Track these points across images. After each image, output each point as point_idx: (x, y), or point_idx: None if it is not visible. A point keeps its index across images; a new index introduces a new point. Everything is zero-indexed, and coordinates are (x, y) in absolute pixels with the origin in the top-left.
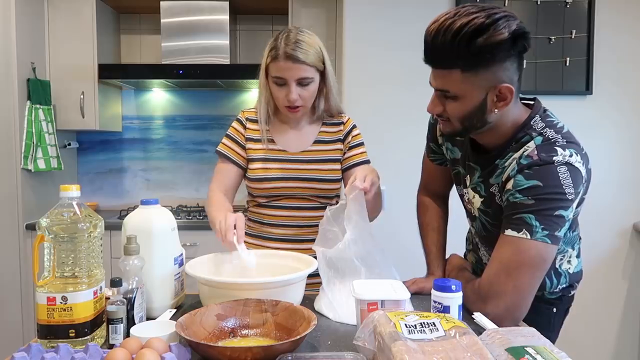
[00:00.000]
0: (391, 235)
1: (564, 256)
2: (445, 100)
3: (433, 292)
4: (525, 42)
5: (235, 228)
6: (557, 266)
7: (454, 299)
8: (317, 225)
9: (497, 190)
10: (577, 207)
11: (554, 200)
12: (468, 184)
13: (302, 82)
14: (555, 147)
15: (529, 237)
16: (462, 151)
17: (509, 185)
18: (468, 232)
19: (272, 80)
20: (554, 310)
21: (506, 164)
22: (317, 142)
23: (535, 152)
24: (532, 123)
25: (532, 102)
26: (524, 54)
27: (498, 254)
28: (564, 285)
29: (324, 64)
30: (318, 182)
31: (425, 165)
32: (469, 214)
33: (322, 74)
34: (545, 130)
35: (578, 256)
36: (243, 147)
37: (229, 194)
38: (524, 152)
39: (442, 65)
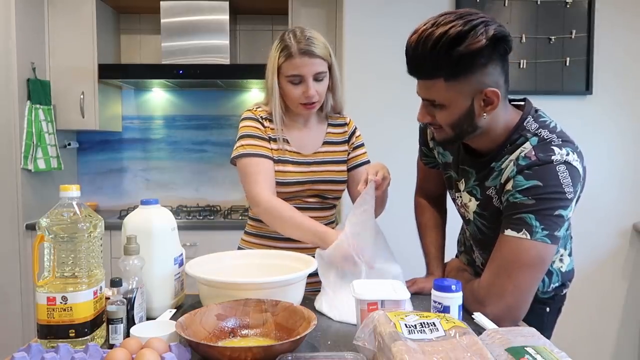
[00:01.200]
0: (391, 235)
1: (555, 255)
2: (433, 109)
3: (433, 292)
4: (506, 45)
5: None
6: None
7: (454, 299)
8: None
9: (495, 192)
10: (575, 205)
11: (554, 199)
12: (462, 188)
13: (317, 77)
14: (552, 147)
15: (528, 237)
16: (454, 155)
17: (509, 186)
18: (460, 234)
19: (286, 80)
20: (547, 309)
21: (502, 165)
22: (326, 143)
23: (533, 153)
24: (525, 124)
25: (522, 103)
26: (507, 55)
27: (497, 254)
28: (557, 284)
29: (331, 57)
30: (329, 184)
31: (419, 167)
32: (463, 217)
33: (330, 68)
34: (539, 130)
35: (570, 255)
36: (269, 142)
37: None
38: (520, 152)
39: (425, 75)
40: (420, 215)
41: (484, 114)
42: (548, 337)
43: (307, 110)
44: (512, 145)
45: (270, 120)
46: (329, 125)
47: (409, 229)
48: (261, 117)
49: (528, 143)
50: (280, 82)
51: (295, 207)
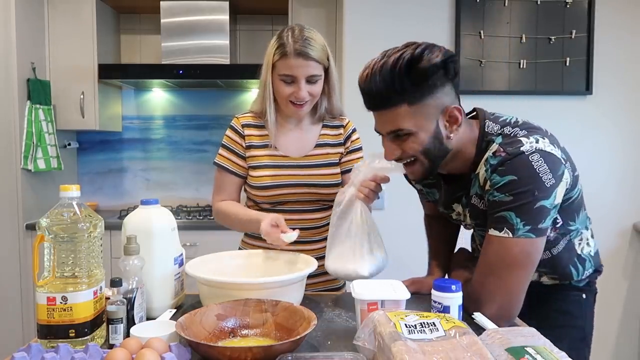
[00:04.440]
0: (390, 236)
1: (581, 239)
2: (399, 141)
3: (433, 292)
4: (455, 66)
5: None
6: (579, 252)
7: (454, 299)
8: (319, 227)
9: (478, 198)
10: (573, 189)
11: (531, 192)
12: (454, 215)
13: (310, 80)
14: (519, 139)
15: (511, 235)
16: (439, 193)
17: (487, 186)
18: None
19: (279, 78)
20: (584, 296)
21: (477, 170)
22: (318, 145)
23: (502, 149)
24: (486, 130)
25: (474, 113)
26: (455, 80)
27: (484, 255)
28: (590, 271)
29: (328, 60)
30: (321, 187)
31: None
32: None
33: (326, 71)
34: (501, 129)
35: (592, 237)
36: (242, 157)
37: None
38: (489, 153)
39: (388, 105)
40: (428, 228)
41: (451, 134)
42: (589, 327)
43: (296, 110)
44: (483, 153)
45: (254, 127)
46: (324, 126)
47: (408, 228)
48: (243, 125)
49: (495, 144)
50: (273, 79)
51: (290, 210)
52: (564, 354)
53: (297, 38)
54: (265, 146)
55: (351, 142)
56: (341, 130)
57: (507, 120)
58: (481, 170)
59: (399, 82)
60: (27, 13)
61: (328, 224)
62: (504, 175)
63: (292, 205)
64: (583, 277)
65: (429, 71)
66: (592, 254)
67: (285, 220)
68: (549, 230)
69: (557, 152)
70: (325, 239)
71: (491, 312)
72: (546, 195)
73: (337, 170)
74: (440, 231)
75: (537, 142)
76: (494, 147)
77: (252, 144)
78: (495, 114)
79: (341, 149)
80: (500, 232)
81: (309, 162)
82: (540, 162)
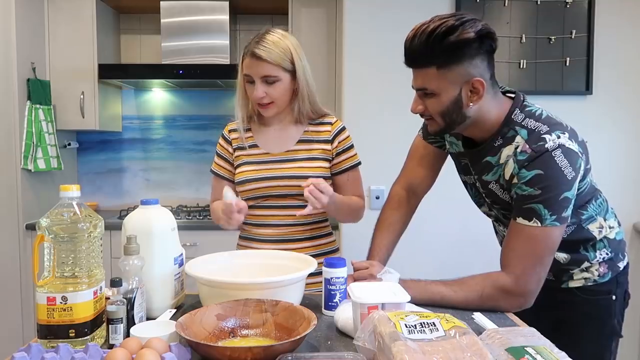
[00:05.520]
0: None
1: (598, 226)
2: (424, 98)
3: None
4: (492, 42)
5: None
6: (591, 231)
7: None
8: (304, 224)
9: (499, 187)
10: (583, 180)
11: (556, 185)
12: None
13: (267, 80)
14: (542, 136)
15: (539, 224)
16: (460, 149)
17: (515, 180)
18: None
19: (244, 78)
20: (614, 297)
21: (501, 161)
22: (301, 141)
23: (527, 147)
24: (512, 117)
25: (514, 95)
26: (493, 54)
27: (518, 244)
28: (607, 252)
29: (293, 64)
30: (303, 180)
31: (413, 152)
32: (477, 200)
33: (294, 75)
34: (525, 121)
35: (620, 226)
36: (231, 163)
37: None
38: (516, 148)
39: (419, 64)
40: (390, 209)
41: (471, 103)
42: (619, 319)
43: (262, 110)
44: (503, 139)
45: (240, 130)
46: (309, 124)
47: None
48: (229, 130)
49: (519, 137)
50: (243, 80)
51: (274, 205)
52: (563, 354)
53: (257, 39)
54: (249, 146)
55: (339, 142)
56: (328, 127)
57: (532, 112)
58: (508, 163)
59: (432, 48)
60: (27, 13)
61: (316, 221)
62: (531, 170)
63: (276, 200)
64: (599, 259)
65: (461, 43)
66: (611, 237)
67: (270, 216)
68: (568, 219)
69: (575, 147)
70: (314, 237)
71: (533, 298)
72: (568, 187)
73: (322, 164)
74: (401, 221)
75: (558, 137)
76: (520, 141)
77: (238, 145)
78: (525, 102)
79: (327, 146)
80: (529, 221)
81: (290, 157)
82: (561, 157)
